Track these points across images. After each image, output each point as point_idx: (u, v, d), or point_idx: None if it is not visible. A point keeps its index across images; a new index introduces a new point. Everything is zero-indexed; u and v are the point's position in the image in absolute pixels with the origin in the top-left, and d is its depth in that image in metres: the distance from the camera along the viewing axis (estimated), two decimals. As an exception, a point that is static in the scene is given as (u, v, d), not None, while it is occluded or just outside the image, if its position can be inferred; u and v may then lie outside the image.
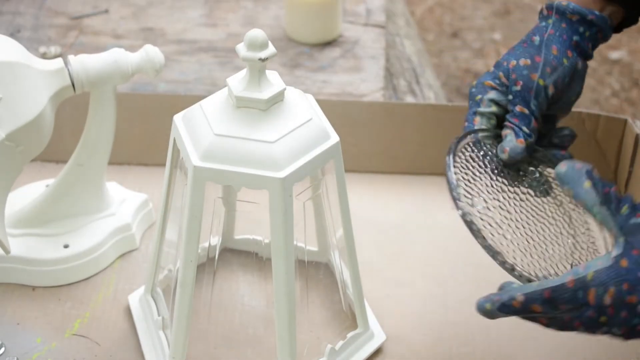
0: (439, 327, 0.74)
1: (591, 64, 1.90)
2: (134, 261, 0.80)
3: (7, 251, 0.70)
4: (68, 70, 0.71)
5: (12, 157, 0.67)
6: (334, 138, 0.62)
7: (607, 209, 0.56)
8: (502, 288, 0.59)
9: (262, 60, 0.59)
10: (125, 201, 0.82)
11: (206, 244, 0.71)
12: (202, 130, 0.60)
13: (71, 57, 0.71)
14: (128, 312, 0.74)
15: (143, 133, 0.91)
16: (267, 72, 0.61)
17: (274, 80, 0.61)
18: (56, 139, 0.75)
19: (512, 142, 0.64)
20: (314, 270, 0.74)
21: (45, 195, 0.78)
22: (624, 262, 0.54)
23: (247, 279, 0.76)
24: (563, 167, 0.57)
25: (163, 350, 0.68)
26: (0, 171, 0.67)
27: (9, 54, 0.66)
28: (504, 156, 0.64)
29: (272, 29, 1.12)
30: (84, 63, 0.71)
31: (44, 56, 1.02)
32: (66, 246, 0.77)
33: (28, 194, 0.81)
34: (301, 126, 0.60)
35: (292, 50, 1.07)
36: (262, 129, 0.59)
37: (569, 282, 0.54)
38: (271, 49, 0.59)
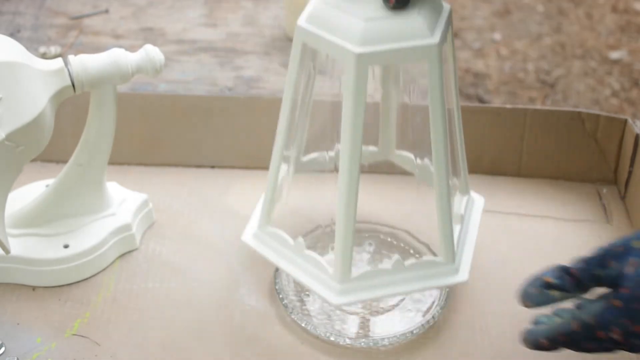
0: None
1: (591, 63, 1.90)
2: (134, 261, 0.80)
3: (7, 251, 0.70)
4: (68, 70, 0.71)
5: (12, 157, 0.67)
6: (434, 40, 0.62)
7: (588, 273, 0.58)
8: (536, 322, 0.62)
9: None
10: (125, 201, 0.82)
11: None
12: (346, 20, 0.61)
13: (71, 57, 0.71)
14: (128, 312, 0.74)
15: (143, 133, 0.91)
16: None
17: None
18: (56, 139, 0.75)
19: None
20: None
21: (45, 195, 0.78)
22: (617, 303, 0.55)
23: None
24: (522, 294, 0.61)
25: (319, 267, 0.68)
26: (0, 171, 0.67)
27: (9, 54, 0.66)
28: (389, 6, 0.62)
29: (272, 29, 1.12)
30: (84, 63, 0.71)
31: (44, 56, 1.02)
32: (66, 246, 0.77)
33: (28, 194, 0.81)
34: (402, 16, 0.62)
35: (292, 50, 1.07)
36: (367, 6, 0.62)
37: (575, 327, 0.57)
38: None
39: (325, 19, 0.63)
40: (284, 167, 0.73)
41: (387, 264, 0.68)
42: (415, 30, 0.62)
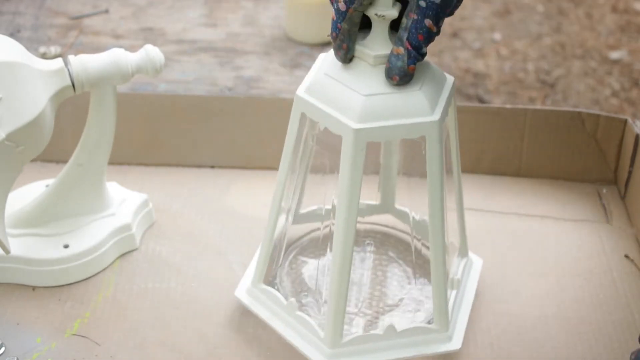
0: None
1: (591, 63, 1.90)
2: (134, 261, 0.80)
3: (7, 251, 0.70)
4: (68, 70, 0.71)
5: (12, 157, 0.67)
6: (434, 117, 0.62)
7: None
8: None
9: (378, 16, 0.60)
10: (125, 201, 0.82)
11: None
12: (345, 94, 0.61)
13: (71, 57, 0.71)
14: (128, 312, 0.74)
15: (143, 133, 0.91)
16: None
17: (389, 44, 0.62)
18: (56, 139, 0.75)
19: (404, 69, 0.60)
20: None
21: (45, 195, 0.78)
22: None
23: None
24: None
25: (310, 329, 0.68)
26: (0, 171, 0.67)
27: (9, 54, 0.66)
28: (392, 83, 0.61)
29: (272, 29, 1.12)
30: (84, 63, 0.71)
31: (44, 56, 1.02)
32: (66, 246, 0.77)
33: (28, 194, 0.81)
34: (403, 92, 0.61)
35: (292, 50, 1.07)
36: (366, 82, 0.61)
37: None
38: (392, 12, 0.61)
39: (325, 91, 0.62)
40: (281, 220, 0.73)
41: (379, 329, 0.68)
42: (415, 107, 0.61)
